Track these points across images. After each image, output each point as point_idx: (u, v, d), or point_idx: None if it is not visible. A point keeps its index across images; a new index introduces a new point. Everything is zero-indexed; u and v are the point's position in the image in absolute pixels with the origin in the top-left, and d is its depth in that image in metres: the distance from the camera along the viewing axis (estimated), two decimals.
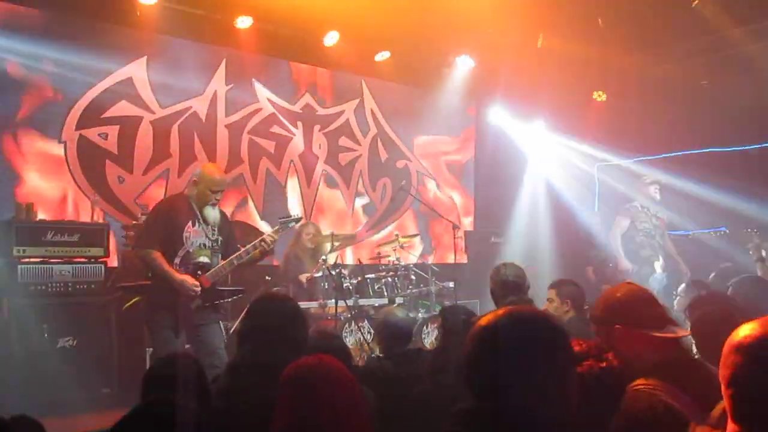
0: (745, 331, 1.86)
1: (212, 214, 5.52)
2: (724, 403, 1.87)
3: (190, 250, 5.40)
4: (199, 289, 5.34)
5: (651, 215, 8.60)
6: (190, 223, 5.43)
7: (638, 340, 2.66)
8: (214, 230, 5.54)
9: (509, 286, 4.67)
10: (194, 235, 5.43)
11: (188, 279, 5.32)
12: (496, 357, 2.03)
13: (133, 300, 6.43)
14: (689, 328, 3.35)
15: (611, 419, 2.35)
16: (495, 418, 2.00)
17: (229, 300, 5.90)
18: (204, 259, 5.46)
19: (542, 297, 5.39)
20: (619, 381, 2.44)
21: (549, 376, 2.03)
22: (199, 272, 5.40)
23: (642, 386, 2.45)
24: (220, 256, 5.55)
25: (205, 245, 5.48)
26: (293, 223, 5.97)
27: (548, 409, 2.00)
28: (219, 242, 5.55)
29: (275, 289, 7.54)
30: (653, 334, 2.67)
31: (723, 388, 1.86)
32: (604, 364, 2.41)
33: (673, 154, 9.59)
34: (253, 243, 5.57)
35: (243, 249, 5.56)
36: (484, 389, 2.06)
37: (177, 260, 5.36)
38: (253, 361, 3.08)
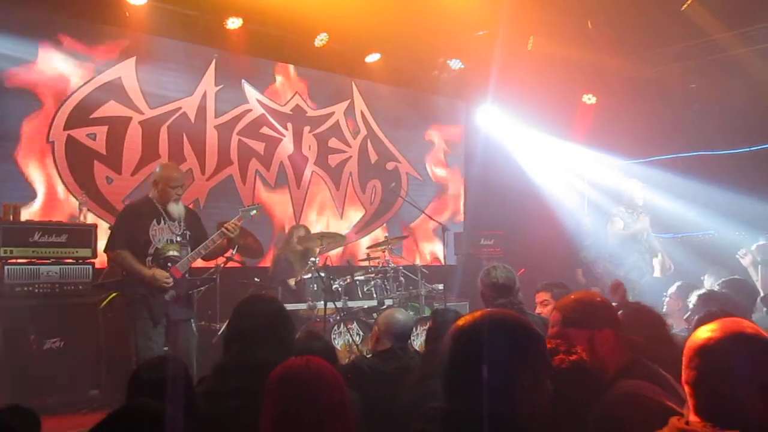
0: (706, 333, 1.98)
1: (176, 209, 5.66)
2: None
3: (159, 246, 5.55)
4: (170, 280, 5.49)
5: (637, 216, 8.62)
6: (155, 221, 5.57)
7: (616, 343, 2.67)
8: (180, 224, 5.68)
9: (498, 288, 4.64)
10: (160, 233, 5.58)
11: (158, 271, 5.47)
12: (471, 358, 2.03)
13: (110, 296, 6.44)
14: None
15: (584, 410, 2.38)
16: (466, 419, 2.01)
17: (203, 288, 6.13)
18: (173, 252, 5.60)
19: (530, 299, 5.38)
20: (589, 373, 2.47)
21: (524, 379, 2.04)
22: (169, 264, 5.53)
23: (629, 389, 2.44)
24: (189, 248, 5.67)
25: (172, 240, 5.62)
26: (254, 211, 6.06)
27: (521, 413, 2.01)
28: (187, 236, 5.69)
29: (263, 291, 7.52)
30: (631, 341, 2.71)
31: (686, 387, 1.98)
32: (574, 357, 2.44)
33: (662, 157, 9.61)
34: (217, 232, 5.70)
35: (208, 239, 5.69)
36: (457, 389, 2.07)
37: (149, 258, 5.51)
38: (240, 362, 3.07)
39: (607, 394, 2.47)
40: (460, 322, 2.15)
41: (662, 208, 9.03)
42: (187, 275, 5.65)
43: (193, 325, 5.92)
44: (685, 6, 7.82)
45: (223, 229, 5.67)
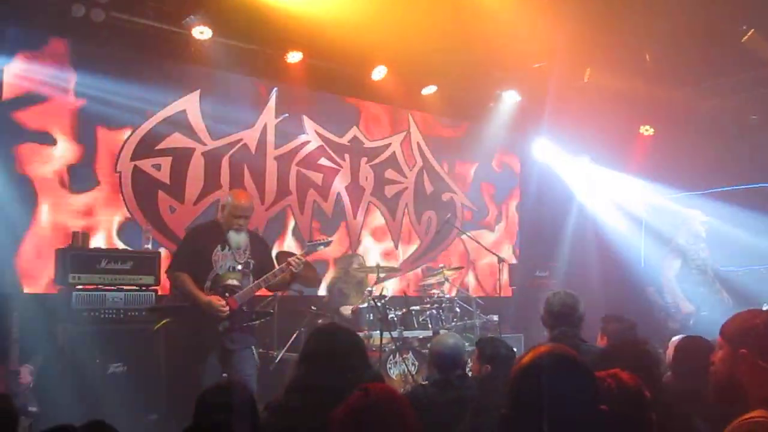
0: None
1: (236, 238, 5.63)
2: None
3: (219, 273, 5.53)
4: (226, 309, 5.42)
5: (699, 249, 8.48)
6: (218, 247, 5.56)
7: (760, 372, 2.56)
8: (244, 253, 5.63)
9: (554, 315, 4.61)
10: (222, 259, 5.56)
11: (214, 300, 5.42)
12: (539, 397, 2.07)
13: (163, 321, 6.54)
14: None
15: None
16: None
17: (257, 323, 5.96)
18: (233, 281, 5.56)
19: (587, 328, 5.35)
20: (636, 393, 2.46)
21: (581, 417, 2.08)
22: (226, 294, 5.48)
23: (759, 419, 2.42)
24: (251, 278, 5.62)
25: (234, 268, 5.58)
26: (321, 247, 6.03)
27: None
28: (250, 265, 5.65)
29: (320, 321, 7.60)
30: None
31: None
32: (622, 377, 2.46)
33: (721, 189, 9.48)
34: (280, 266, 5.66)
35: (270, 273, 5.64)
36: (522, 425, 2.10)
37: (208, 283, 5.50)
38: (308, 382, 3.16)
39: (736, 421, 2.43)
40: (525, 360, 2.19)
41: (721, 240, 8.88)
42: (244, 307, 5.59)
43: (254, 351, 5.86)
44: (746, 38, 7.76)
45: (287, 263, 5.61)
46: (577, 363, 2.18)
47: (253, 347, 5.85)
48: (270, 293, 7.06)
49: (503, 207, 11.21)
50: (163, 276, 6.88)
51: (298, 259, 5.68)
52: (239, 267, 5.62)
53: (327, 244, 6.14)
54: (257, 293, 6.18)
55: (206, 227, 5.79)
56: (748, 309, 2.79)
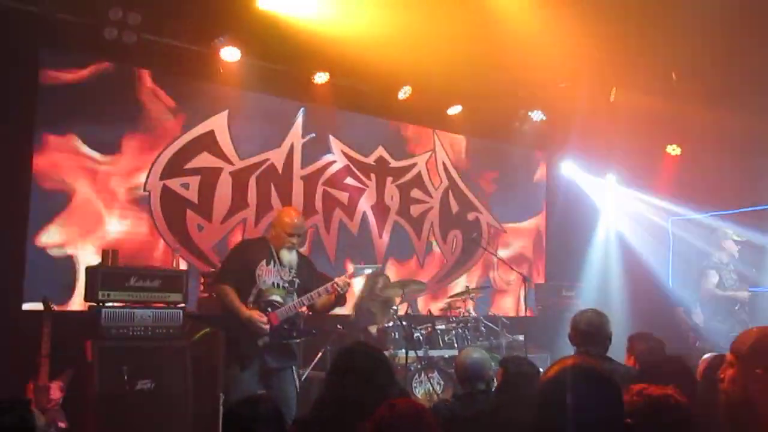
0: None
1: (288, 256, 5.63)
2: None
3: (263, 288, 5.51)
4: (267, 325, 5.41)
5: (731, 270, 8.42)
6: (264, 262, 5.54)
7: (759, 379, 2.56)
8: (291, 271, 5.62)
9: (580, 333, 4.59)
10: (266, 274, 5.54)
11: (255, 314, 5.39)
12: (565, 409, 2.07)
13: (203, 332, 6.57)
14: None
15: None
16: None
17: (299, 341, 5.94)
18: (276, 297, 5.54)
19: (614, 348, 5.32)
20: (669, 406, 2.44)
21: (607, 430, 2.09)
22: (268, 309, 5.47)
23: None
24: (295, 296, 5.60)
25: (278, 284, 5.56)
26: (369, 270, 6.01)
27: None
28: (296, 284, 5.62)
29: (346, 340, 7.62)
30: None
31: None
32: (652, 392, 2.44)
33: (750, 209, 9.40)
34: (325, 286, 5.64)
35: (314, 291, 5.62)
36: None
37: (251, 298, 5.49)
38: (335, 396, 3.20)
39: None
40: (550, 373, 2.21)
41: (751, 261, 8.80)
42: (285, 325, 5.55)
43: (293, 372, 5.79)
44: None
45: (332, 284, 5.57)
46: (603, 376, 2.19)
47: (293, 367, 5.80)
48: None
49: (529, 226, 11.17)
50: (191, 293, 6.98)
51: (344, 280, 5.64)
52: (284, 284, 5.60)
53: (375, 269, 6.13)
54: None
55: (254, 242, 5.82)
56: (761, 326, 2.75)
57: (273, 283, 5.56)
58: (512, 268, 9.08)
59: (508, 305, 10.60)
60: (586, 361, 2.28)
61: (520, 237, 11.08)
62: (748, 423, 2.54)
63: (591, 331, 4.57)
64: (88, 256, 7.17)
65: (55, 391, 5.98)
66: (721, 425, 2.64)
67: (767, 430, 2.44)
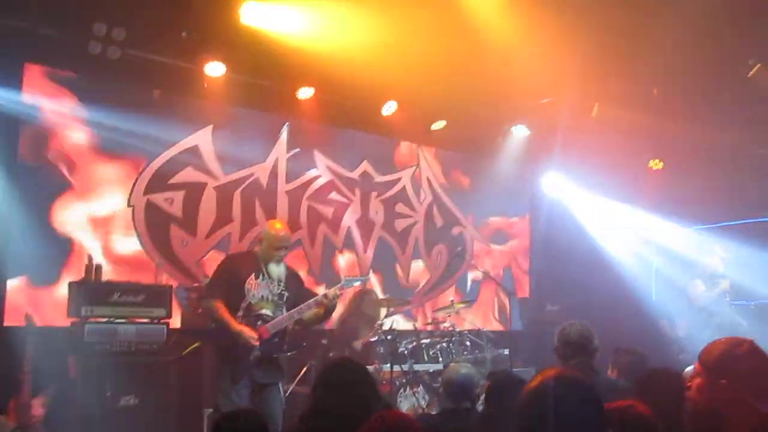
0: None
1: (276, 270, 5.62)
2: None
3: (252, 302, 5.49)
4: (257, 339, 5.40)
5: (716, 282, 8.50)
6: (252, 276, 5.53)
7: (741, 403, 2.55)
8: (279, 284, 5.61)
9: (571, 345, 4.59)
10: (255, 288, 5.53)
11: (246, 329, 5.38)
12: (547, 420, 2.09)
13: (193, 345, 6.53)
14: None
15: None
16: None
17: (289, 354, 5.93)
18: (266, 311, 5.53)
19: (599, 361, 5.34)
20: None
21: None
22: (259, 322, 5.46)
23: None
24: (284, 309, 5.59)
25: (267, 298, 5.55)
26: (358, 282, 6.01)
27: None
28: (285, 297, 5.62)
29: (331, 354, 7.61)
30: (756, 404, 2.54)
31: None
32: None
33: (733, 223, 9.49)
34: (315, 299, 5.64)
35: (304, 303, 5.62)
36: None
37: (240, 312, 5.46)
38: (320, 408, 3.22)
39: None
40: (533, 384, 2.21)
41: (735, 273, 8.88)
42: (275, 338, 5.53)
43: (280, 388, 5.77)
44: (753, 72, 7.82)
45: (323, 296, 5.59)
46: (585, 386, 2.20)
47: (280, 383, 5.77)
48: None
49: (513, 240, 11.21)
50: (175, 309, 6.95)
51: (334, 292, 5.64)
52: (273, 298, 5.60)
53: (365, 281, 6.12)
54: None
55: (242, 256, 5.83)
56: (728, 337, 2.77)
57: (262, 297, 5.55)
58: (498, 284, 9.13)
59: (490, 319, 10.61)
60: (569, 372, 2.29)
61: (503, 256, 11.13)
62: None
63: (583, 343, 4.59)
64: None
65: (37, 408, 5.93)
66: None
67: None
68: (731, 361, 2.62)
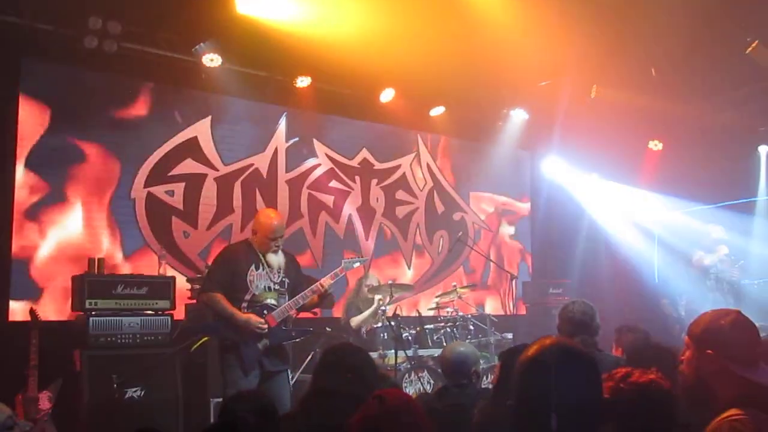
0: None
1: (275, 259, 5.60)
2: None
3: (256, 293, 5.47)
4: (265, 326, 5.38)
5: (715, 249, 8.55)
6: (253, 267, 5.50)
7: (726, 372, 2.58)
8: (279, 273, 5.60)
9: (575, 323, 4.58)
10: (258, 279, 5.50)
11: (253, 317, 5.36)
12: (546, 388, 2.09)
13: (201, 341, 6.54)
14: None
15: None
16: None
17: (298, 340, 5.95)
18: (271, 300, 5.51)
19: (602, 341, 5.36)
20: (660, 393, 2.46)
21: (588, 407, 2.11)
22: (265, 312, 5.45)
23: (739, 417, 2.41)
24: (287, 297, 5.59)
25: (270, 288, 5.53)
26: (357, 264, 6.00)
27: None
28: (285, 284, 5.61)
29: (336, 341, 7.63)
30: (741, 373, 2.57)
31: None
32: (637, 379, 2.46)
33: (733, 202, 9.49)
34: (311, 287, 5.61)
35: (306, 290, 5.61)
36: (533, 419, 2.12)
37: (244, 304, 5.44)
38: (321, 388, 3.25)
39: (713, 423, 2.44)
40: (531, 352, 2.21)
41: (736, 252, 8.89)
42: (282, 326, 5.54)
43: (288, 375, 5.79)
44: (750, 49, 7.80)
45: (329, 276, 5.62)
46: (582, 355, 2.20)
47: (288, 370, 5.79)
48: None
49: (514, 223, 11.22)
50: (179, 300, 6.96)
51: (336, 274, 5.67)
52: (276, 286, 5.58)
53: (364, 262, 6.11)
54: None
55: (239, 247, 5.74)
56: (715, 309, 2.79)
57: (265, 287, 5.53)
58: (501, 267, 9.14)
59: (494, 303, 10.64)
60: (566, 340, 2.29)
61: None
62: (701, 403, 2.58)
63: (586, 320, 4.58)
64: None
65: (44, 402, 5.96)
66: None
67: (719, 410, 2.47)
68: (716, 331, 2.64)
